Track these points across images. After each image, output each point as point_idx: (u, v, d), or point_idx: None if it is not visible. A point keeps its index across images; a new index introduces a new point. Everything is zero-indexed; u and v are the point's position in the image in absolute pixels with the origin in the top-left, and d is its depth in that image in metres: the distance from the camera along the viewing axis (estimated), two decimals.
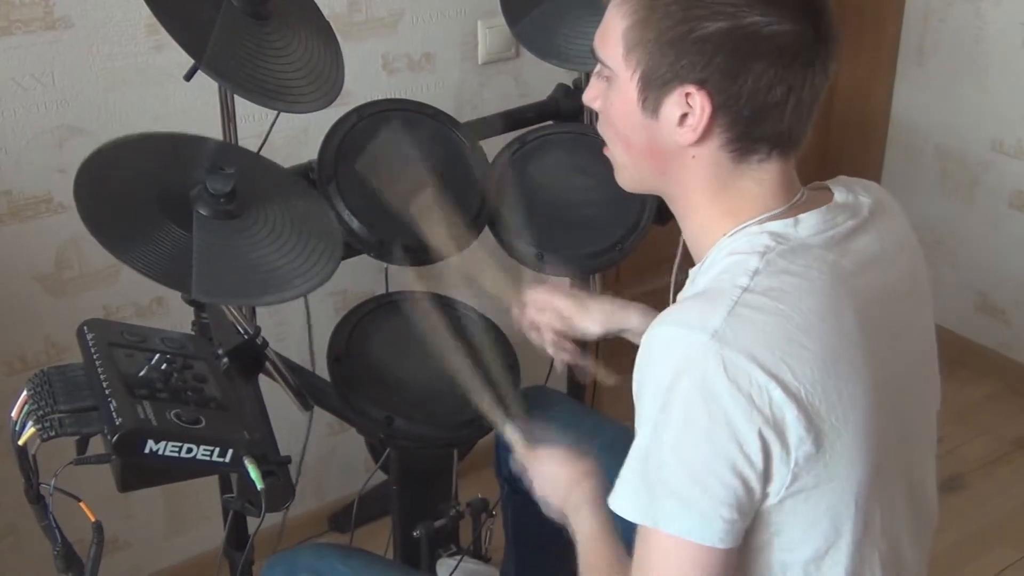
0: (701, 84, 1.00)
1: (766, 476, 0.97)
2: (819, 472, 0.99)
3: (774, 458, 0.96)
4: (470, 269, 1.55)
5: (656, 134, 1.05)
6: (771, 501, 0.99)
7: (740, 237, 1.04)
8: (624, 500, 1.02)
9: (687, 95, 1.01)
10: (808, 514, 1.01)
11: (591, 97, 1.12)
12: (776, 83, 0.99)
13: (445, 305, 1.76)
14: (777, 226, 1.04)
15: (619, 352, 1.48)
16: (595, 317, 1.44)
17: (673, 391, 0.96)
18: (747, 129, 1.02)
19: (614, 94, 1.07)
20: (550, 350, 1.48)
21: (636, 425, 1.02)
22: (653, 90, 1.03)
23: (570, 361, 1.49)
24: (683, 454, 0.96)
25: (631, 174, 1.13)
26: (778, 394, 0.95)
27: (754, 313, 0.97)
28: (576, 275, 1.84)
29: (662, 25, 1.00)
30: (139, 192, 1.34)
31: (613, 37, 1.05)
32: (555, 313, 1.46)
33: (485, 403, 1.41)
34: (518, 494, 1.71)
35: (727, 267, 1.02)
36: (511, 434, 1.37)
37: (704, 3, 0.98)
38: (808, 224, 1.05)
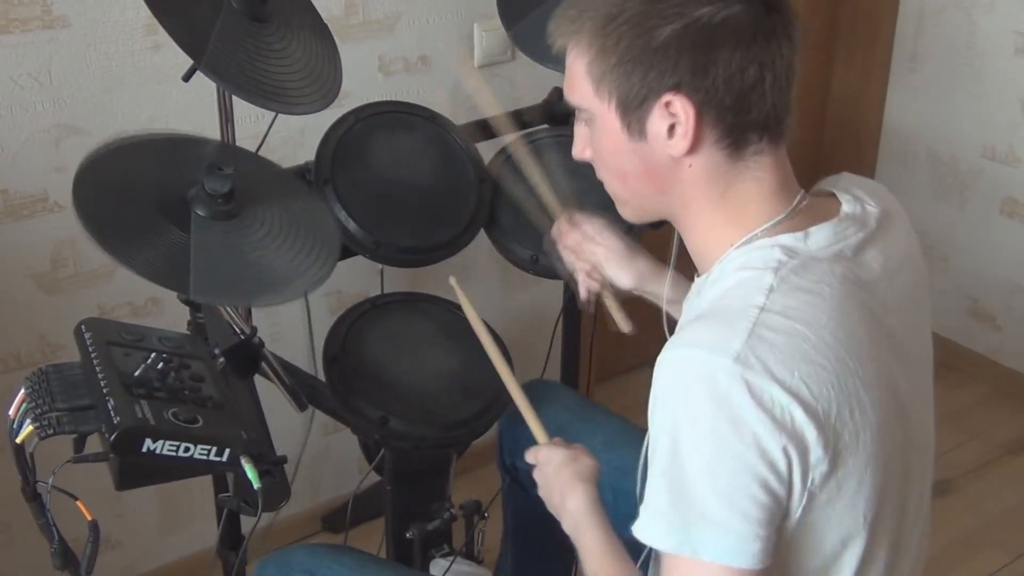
0: (676, 89, 1.00)
1: (790, 491, 0.97)
2: (832, 490, 0.99)
3: (795, 475, 0.96)
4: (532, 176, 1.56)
5: (648, 155, 1.05)
6: (790, 520, 0.99)
7: (750, 251, 1.04)
8: (655, 531, 1.00)
9: (667, 104, 1.01)
10: (819, 530, 1.01)
11: (580, 150, 1.13)
12: (747, 64, 1.00)
13: (439, 307, 1.77)
14: (788, 239, 1.03)
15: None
16: (632, 271, 1.44)
17: (697, 415, 0.95)
18: (735, 119, 1.02)
19: (598, 133, 1.08)
20: (580, 277, 1.50)
21: (652, 447, 1.00)
22: (633, 112, 1.03)
23: (591, 294, 1.50)
24: (714, 478, 0.95)
25: (633, 205, 1.13)
26: (799, 414, 0.95)
27: (773, 334, 0.96)
28: (571, 277, 1.85)
29: (619, 48, 1.01)
30: (137, 195, 1.34)
31: (579, 79, 1.05)
32: (600, 248, 1.47)
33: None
34: (519, 485, 1.71)
35: (739, 283, 1.02)
36: (529, 418, 1.39)
37: (652, 12, 0.99)
38: (818, 238, 1.05)
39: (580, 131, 1.12)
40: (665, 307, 1.35)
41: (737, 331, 0.96)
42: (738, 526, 0.95)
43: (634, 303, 1.49)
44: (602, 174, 1.13)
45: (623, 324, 1.49)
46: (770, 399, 0.94)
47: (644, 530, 1.01)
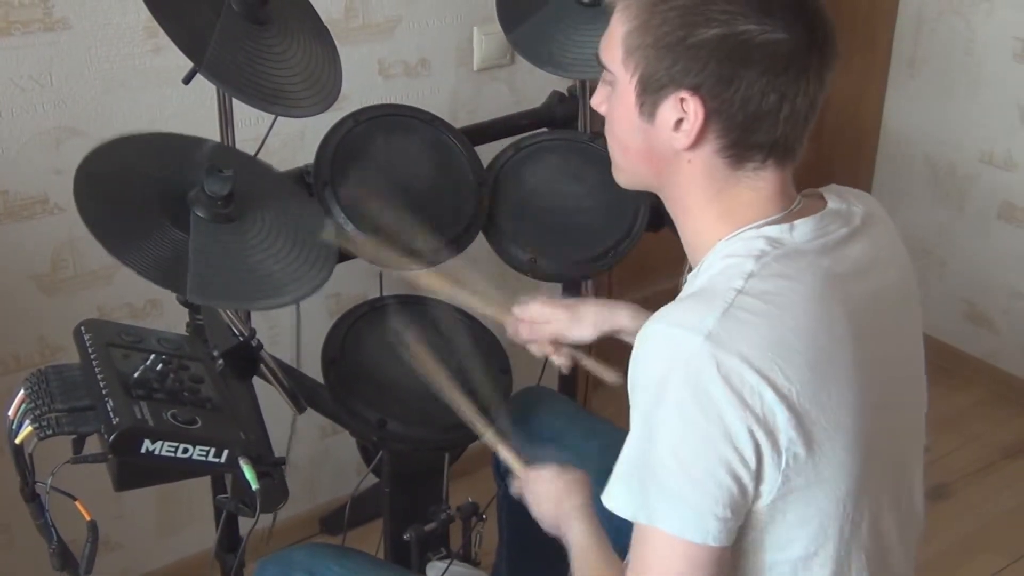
0: (695, 90, 1.02)
1: (758, 476, 0.99)
2: (809, 474, 1.00)
3: (765, 458, 0.98)
4: (458, 286, 1.57)
5: (652, 138, 1.07)
6: (763, 501, 1.01)
7: (736, 241, 1.06)
8: (618, 497, 1.03)
9: (682, 100, 1.02)
10: (797, 515, 1.03)
11: (598, 102, 1.14)
12: (769, 91, 1.01)
13: (435, 310, 1.77)
14: (773, 231, 1.05)
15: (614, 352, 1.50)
16: (587, 323, 1.46)
17: (667, 390, 0.98)
18: (741, 136, 1.03)
19: (615, 98, 1.09)
20: (550, 356, 1.50)
21: (631, 421, 1.03)
22: (650, 94, 1.04)
23: (568, 366, 1.51)
24: (678, 452, 0.98)
25: (628, 175, 1.15)
26: (769, 395, 0.96)
27: (747, 315, 0.98)
28: (568, 281, 1.85)
29: (660, 31, 1.02)
30: (138, 191, 1.35)
31: (614, 41, 1.07)
32: (548, 323, 1.47)
33: (475, 420, 1.42)
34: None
35: (722, 269, 1.04)
36: (503, 453, 1.39)
37: (701, 10, 1.00)
38: (802, 230, 1.06)
39: (603, 88, 1.13)
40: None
41: (712, 311, 0.98)
42: (697, 502, 0.98)
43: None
44: (608, 136, 1.15)
45: (608, 376, 1.50)
46: (739, 379, 0.96)
47: (608, 496, 1.04)
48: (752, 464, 0.98)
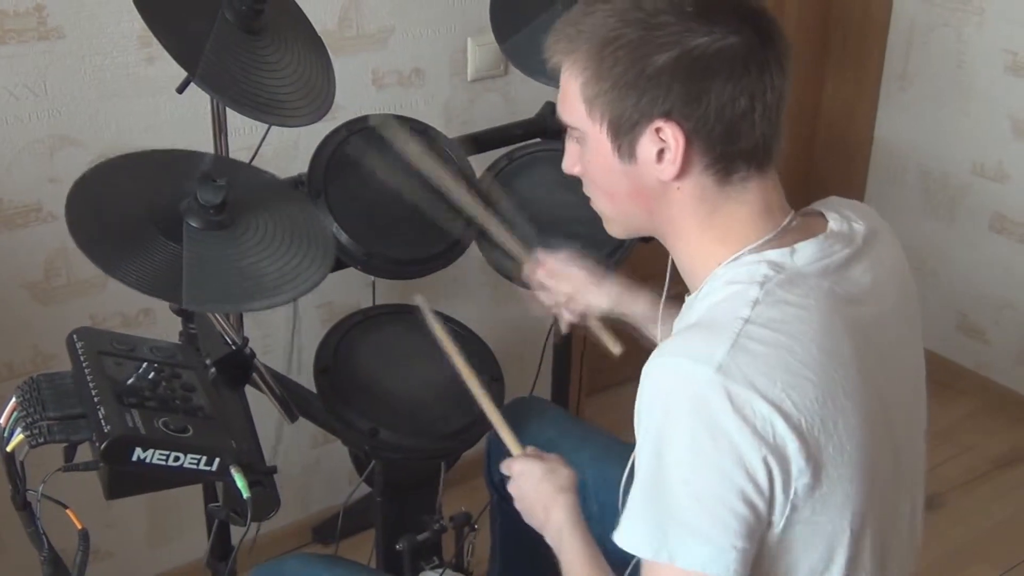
0: (667, 116, 1.02)
1: (771, 502, 0.98)
2: (816, 502, 1.00)
3: (777, 486, 0.97)
4: (488, 225, 1.55)
5: (637, 177, 1.06)
6: (774, 529, 1.00)
7: (738, 266, 1.05)
8: (634, 536, 1.01)
9: (657, 130, 1.03)
10: (803, 541, 1.02)
11: (570, 165, 1.14)
12: (738, 95, 1.01)
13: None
14: (774, 255, 1.05)
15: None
16: (606, 293, 1.45)
17: (678, 423, 0.97)
18: (724, 147, 1.03)
19: (589, 152, 1.09)
20: (557, 310, 1.49)
21: (637, 456, 1.02)
22: (624, 135, 1.04)
23: (575, 323, 1.49)
24: (693, 486, 0.97)
25: (620, 223, 1.15)
26: (781, 425, 0.96)
27: (757, 345, 0.98)
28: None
29: (614, 72, 1.02)
30: (130, 209, 1.35)
31: (572, 98, 1.07)
32: (568, 279, 1.46)
33: (476, 389, 1.41)
34: (507, 502, 1.72)
35: (726, 297, 1.03)
36: (501, 430, 1.38)
37: (648, 40, 1.01)
38: (805, 253, 1.06)
39: (571, 147, 1.13)
40: (654, 323, 1.35)
41: (721, 342, 0.97)
42: (715, 535, 0.97)
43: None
44: (590, 191, 1.15)
45: (612, 346, 1.49)
46: (751, 410, 0.95)
47: (623, 536, 1.02)
48: (766, 491, 0.97)
